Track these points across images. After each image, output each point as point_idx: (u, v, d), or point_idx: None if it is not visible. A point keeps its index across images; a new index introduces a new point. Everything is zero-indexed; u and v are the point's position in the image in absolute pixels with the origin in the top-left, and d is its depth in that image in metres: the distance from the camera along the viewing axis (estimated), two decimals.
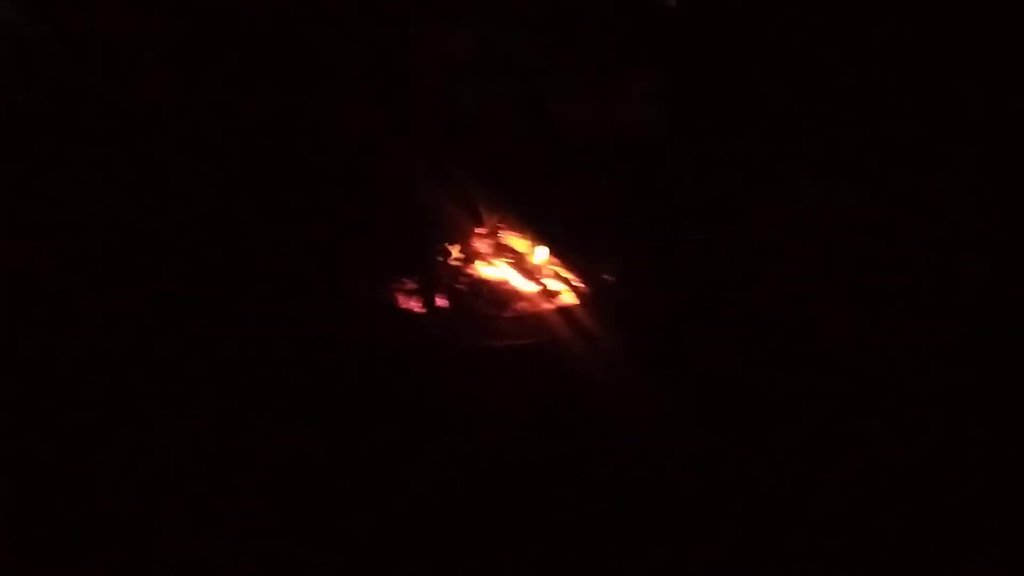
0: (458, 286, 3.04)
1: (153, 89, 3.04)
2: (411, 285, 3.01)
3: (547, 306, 3.02)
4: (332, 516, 2.49)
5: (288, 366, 2.77)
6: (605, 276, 3.08)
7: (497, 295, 3.03)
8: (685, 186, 3.26)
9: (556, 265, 3.13)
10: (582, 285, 3.07)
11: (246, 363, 2.76)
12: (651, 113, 3.34)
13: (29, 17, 2.97)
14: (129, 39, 3.04)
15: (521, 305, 3.03)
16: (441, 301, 2.98)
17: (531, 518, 2.53)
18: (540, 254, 3.15)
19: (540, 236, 3.17)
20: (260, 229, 3.02)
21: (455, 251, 3.12)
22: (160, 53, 3.05)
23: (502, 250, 3.14)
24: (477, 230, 3.18)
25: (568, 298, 3.04)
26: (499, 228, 3.19)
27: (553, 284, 3.08)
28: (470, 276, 3.08)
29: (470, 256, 3.12)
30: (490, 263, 3.12)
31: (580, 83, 3.36)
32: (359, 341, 2.86)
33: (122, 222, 2.95)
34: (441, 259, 3.10)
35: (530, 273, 3.09)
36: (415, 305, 2.97)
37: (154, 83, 3.05)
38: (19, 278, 2.78)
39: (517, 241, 3.17)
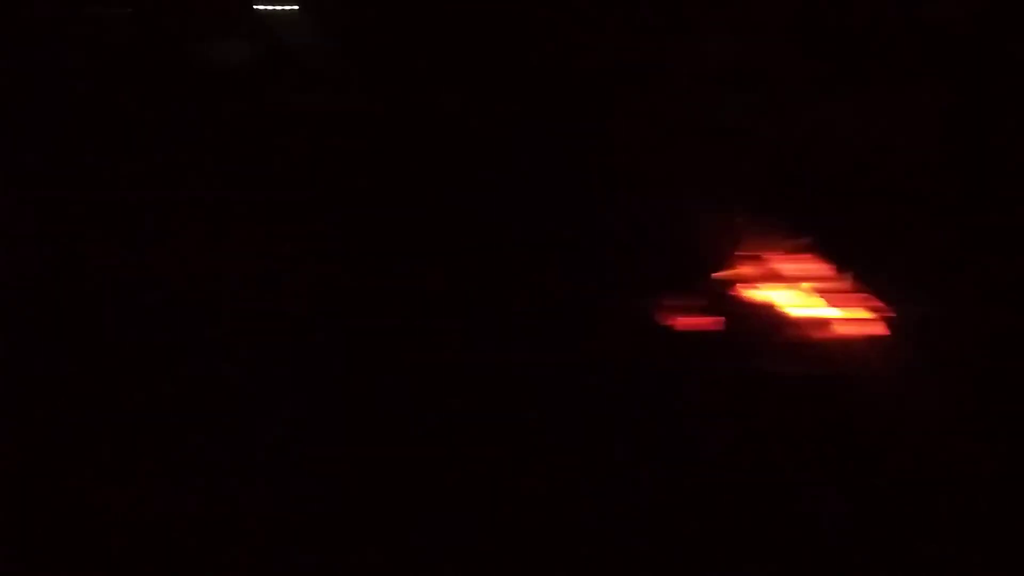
0: (737, 307, 2.96)
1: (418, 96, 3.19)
2: (692, 303, 2.96)
3: (834, 334, 2.87)
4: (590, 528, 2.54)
5: (554, 380, 2.82)
6: (902, 305, 2.87)
7: (779, 319, 2.92)
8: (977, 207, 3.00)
9: (845, 290, 2.96)
10: (875, 314, 2.88)
11: (511, 378, 2.84)
12: (936, 128, 3.10)
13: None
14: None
15: (807, 331, 2.90)
16: (721, 321, 2.91)
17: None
18: (828, 277, 2.99)
19: (829, 259, 3.01)
20: (536, 240, 3.08)
21: (738, 271, 3.03)
22: (428, 57, 3.17)
23: (786, 273, 3.01)
24: (759, 251, 3.07)
25: (858, 328, 2.87)
26: (785, 249, 3.06)
27: (842, 311, 2.91)
28: (750, 297, 2.98)
29: (752, 277, 3.02)
30: (772, 286, 3.00)
31: (864, 99, 3.17)
32: (628, 357, 2.85)
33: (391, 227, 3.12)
34: (722, 278, 3.02)
35: (818, 297, 2.95)
36: (695, 323, 2.92)
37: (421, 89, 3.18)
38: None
39: (804, 263, 3.03)
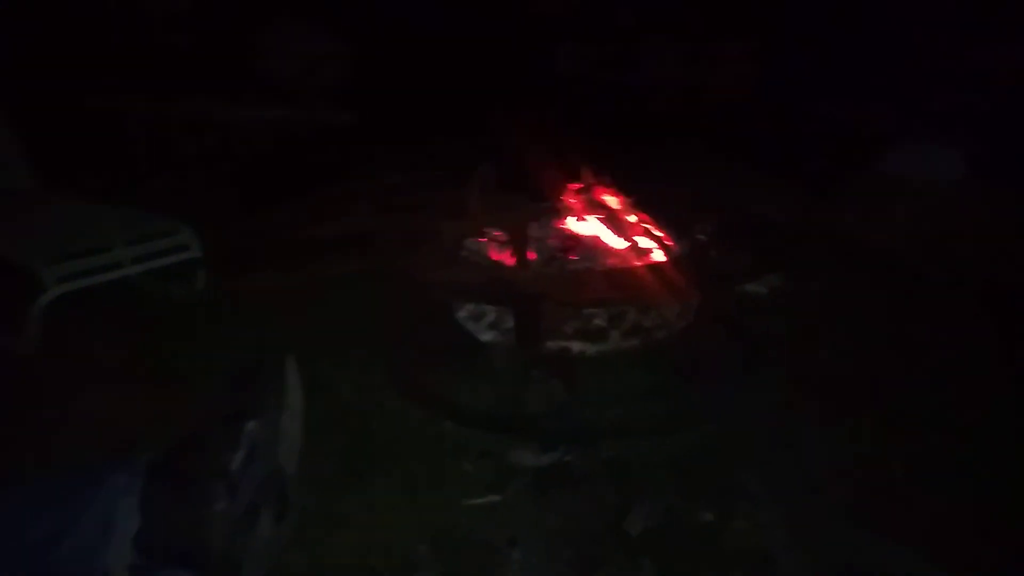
0: (550, 240, 3.07)
1: None
2: (502, 237, 3.05)
3: (637, 263, 3.02)
4: None
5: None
6: (697, 236, 3.06)
7: (588, 250, 3.05)
8: (777, 148, 3.21)
9: (648, 223, 3.12)
10: (673, 243, 3.05)
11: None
12: (743, 76, 3.30)
13: None
14: None
15: (611, 260, 3.03)
16: (532, 254, 3.01)
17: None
18: (632, 212, 3.14)
19: (633, 194, 3.17)
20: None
21: (548, 205, 3.14)
22: None
23: (595, 206, 3.14)
24: (571, 186, 3.19)
25: (658, 256, 3.03)
26: (593, 185, 3.20)
27: (644, 241, 3.07)
28: (562, 230, 3.10)
29: (563, 211, 3.14)
30: (582, 219, 3.13)
31: (674, 46, 3.35)
32: (450, 288, 2.91)
33: None
34: (534, 213, 3.12)
35: (622, 230, 3.09)
36: (505, 256, 3.01)
37: None
38: None
39: (610, 198, 3.17)
